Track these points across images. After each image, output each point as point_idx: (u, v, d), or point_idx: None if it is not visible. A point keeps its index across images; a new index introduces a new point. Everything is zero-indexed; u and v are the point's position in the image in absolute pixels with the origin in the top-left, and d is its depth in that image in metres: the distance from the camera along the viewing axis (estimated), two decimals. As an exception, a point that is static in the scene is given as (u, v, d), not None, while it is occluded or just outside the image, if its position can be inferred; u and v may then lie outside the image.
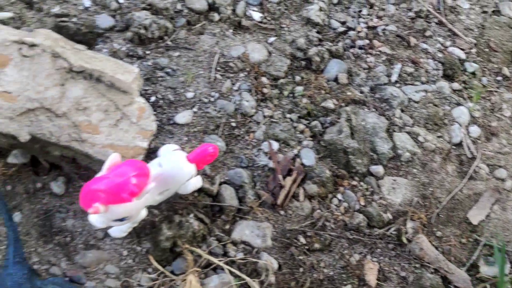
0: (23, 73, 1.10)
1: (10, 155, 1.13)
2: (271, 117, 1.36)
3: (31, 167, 1.16)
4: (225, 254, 1.16)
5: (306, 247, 1.21)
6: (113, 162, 0.90)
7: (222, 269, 1.13)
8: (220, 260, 1.13)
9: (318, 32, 1.54)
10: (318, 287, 1.17)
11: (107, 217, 0.90)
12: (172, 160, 1.03)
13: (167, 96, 1.32)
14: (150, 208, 1.15)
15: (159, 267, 1.11)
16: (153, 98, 1.31)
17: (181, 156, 1.05)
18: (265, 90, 1.39)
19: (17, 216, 1.12)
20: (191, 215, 1.17)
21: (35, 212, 1.13)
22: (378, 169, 1.31)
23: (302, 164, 1.30)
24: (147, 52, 1.39)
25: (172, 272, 1.11)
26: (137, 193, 0.86)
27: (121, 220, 0.91)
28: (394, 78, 1.49)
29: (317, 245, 1.21)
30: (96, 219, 0.91)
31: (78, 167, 1.16)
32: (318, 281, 1.17)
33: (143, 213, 1.05)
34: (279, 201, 1.23)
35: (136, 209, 0.92)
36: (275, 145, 1.31)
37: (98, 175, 0.90)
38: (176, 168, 1.03)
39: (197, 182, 1.11)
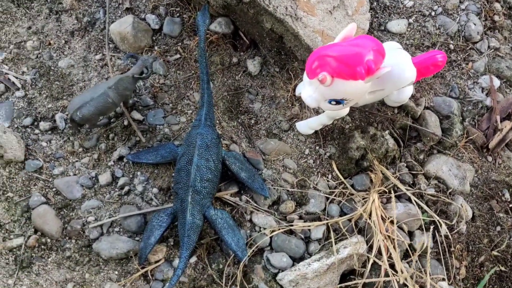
0: None
1: (215, 22, 1.07)
2: (497, 49, 1.14)
3: (231, 40, 1.09)
4: (414, 184, 1.01)
5: (510, 205, 1.01)
6: (348, 33, 0.77)
7: (407, 199, 0.99)
8: (407, 189, 0.99)
9: None
10: (515, 254, 0.97)
11: (324, 94, 0.78)
12: (396, 58, 0.88)
13: (383, 0, 1.16)
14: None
15: (341, 176, 0.99)
16: (366, -1, 1.16)
17: (406, 56, 0.89)
18: (496, 18, 1.16)
19: (208, 85, 1.07)
20: (387, 132, 1.02)
21: (226, 86, 1.07)
22: None
23: (526, 111, 1.07)
24: None
25: (352, 186, 1.00)
26: (373, 70, 0.73)
27: (337, 102, 0.79)
28: None
29: (524, 207, 1.00)
30: (309, 95, 0.80)
31: (277, 53, 1.07)
32: (516, 247, 0.98)
33: (345, 111, 0.92)
34: (490, 145, 1.03)
35: (360, 93, 0.79)
36: (497, 82, 1.10)
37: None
38: (399, 68, 0.88)
39: (410, 92, 0.95)
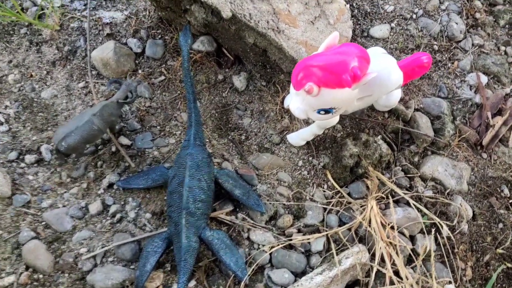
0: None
1: (197, 41, 1.06)
2: (482, 46, 1.14)
3: (215, 57, 1.08)
4: (411, 188, 0.99)
5: (510, 200, 0.99)
6: (331, 42, 0.76)
7: (406, 203, 0.97)
8: (405, 193, 0.97)
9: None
10: (520, 251, 0.95)
11: (312, 104, 0.77)
12: (382, 63, 0.87)
13: (363, 7, 1.16)
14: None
15: (336, 185, 0.98)
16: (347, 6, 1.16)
17: (391, 61, 0.89)
18: (477, 15, 1.17)
19: (195, 104, 1.05)
20: (379, 137, 1.01)
21: (213, 104, 1.06)
22: None
23: (516, 105, 1.07)
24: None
25: (348, 195, 0.98)
26: (359, 77, 0.72)
27: (326, 112, 0.78)
28: None
29: (524, 202, 0.99)
30: (297, 107, 0.79)
31: (263, 67, 1.06)
32: (520, 243, 0.96)
33: (335, 120, 0.91)
34: (484, 142, 1.02)
35: (348, 101, 0.78)
36: (484, 79, 1.09)
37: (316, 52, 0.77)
38: (385, 72, 0.87)
39: (398, 95, 0.94)
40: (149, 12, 1.11)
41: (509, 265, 0.95)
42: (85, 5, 1.11)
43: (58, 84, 1.06)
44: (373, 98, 0.90)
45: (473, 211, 0.98)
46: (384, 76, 0.87)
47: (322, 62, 0.72)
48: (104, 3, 1.13)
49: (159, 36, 1.10)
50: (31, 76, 1.06)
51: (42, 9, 1.10)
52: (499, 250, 0.95)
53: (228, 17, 0.92)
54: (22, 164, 0.98)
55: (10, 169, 0.97)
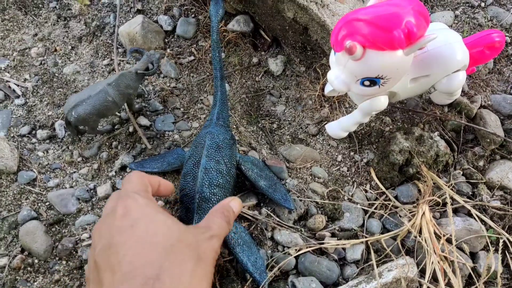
0: None
1: (233, 20, 0.96)
2: None
3: (251, 39, 0.98)
4: (473, 196, 0.82)
5: None
6: (381, -4, 0.63)
7: (467, 214, 0.80)
8: (466, 201, 0.80)
9: None
10: None
11: (355, 72, 0.63)
12: (445, 38, 0.73)
13: (423, -8, 1.02)
14: (380, 114, 0.88)
15: (381, 185, 0.82)
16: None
17: (456, 36, 0.74)
18: (560, 6, 1.00)
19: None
20: (436, 133, 0.85)
21: (244, 88, 0.94)
22: None
23: None
24: None
25: (395, 198, 0.82)
26: (415, 35, 0.58)
27: (372, 82, 0.64)
28: None
29: None
30: (336, 76, 0.66)
31: (303, 49, 0.94)
32: None
33: (383, 103, 0.76)
34: None
35: (399, 70, 0.63)
36: None
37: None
38: (448, 49, 0.72)
39: (462, 79, 0.78)
40: (184, -10, 1.03)
41: None
42: (118, -19, 1.05)
43: (82, 60, 0.99)
44: (430, 80, 0.75)
45: (553, 230, 0.79)
46: (445, 53, 0.72)
47: (370, 15, 0.58)
48: (138, -21, 1.06)
49: (193, 15, 1.01)
50: (55, 50, 1.00)
51: (74, -17, 1.05)
52: None
53: (265, -17, 0.81)
54: (34, 140, 0.90)
55: (20, 144, 0.89)
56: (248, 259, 0.71)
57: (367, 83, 0.64)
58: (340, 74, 0.65)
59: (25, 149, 0.89)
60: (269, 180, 0.79)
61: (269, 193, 0.78)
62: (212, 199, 0.72)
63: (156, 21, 1.00)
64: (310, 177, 0.84)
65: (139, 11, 1.01)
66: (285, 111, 0.92)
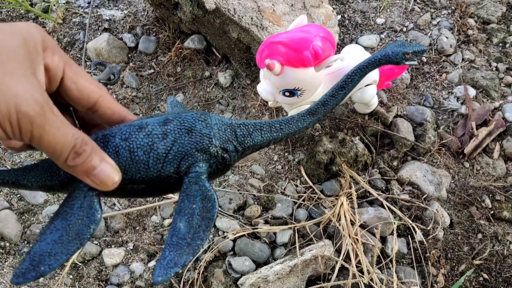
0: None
1: (188, 39, 1.10)
2: (472, 61, 1.13)
3: (204, 55, 1.12)
4: (387, 190, 0.97)
5: (491, 212, 0.95)
6: (298, 24, 0.78)
7: (380, 205, 0.95)
8: (379, 194, 0.95)
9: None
10: (499, 263, 0.90)
11: (277, 85, 0.78)
12: (354, 56, 0.88)
13: (354, 18, 1.19)
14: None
15: (309, 181, 0.96)
16: (338, 17, 1.19)
17: (366, 54, 0.90)
18: (470, 32, 1.17)
19: (179, 97, 1.08)
20: (357, 138, 1.00)
21: (197, 97, 1.08)
22: None
23: (504, 118, 1.04)
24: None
25: (321, 192, 0.96)
26: (319, 56, 0.73)
27: (291, 93, 0.79)
28: None
29: (506, 213, 0.94)
30: (264, 88, 0.80)
31: (247, 65, 1.09)
32: (499, 256, 0.91)
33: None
34: (466, 150, 0.99)
35: (313, 83, 0.78)
36: (472, 91, 1.08)
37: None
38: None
39: (373, 92, 0.93)
40: (146, 12, 1.17)
41: (486, 276, 0.89)
42: (88, 3, 1.19)
43: (54, 71, 1.12)
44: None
45: (451, 219, 0.94)
46: (356, 69, 0.87)
47: (286, 39, 0.73)
48: (106, 2, 1.20)
49: (154, 34, 1.15)
50: (30, 62, 1.12)
51: (48, 4, 1.18)
52: (476, 261, 0.91)
53: (212, 9, 0.96)
54: (8, 140, 1.01)
55: (-5, 143, 1.00)
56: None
57: (287, 93, 0.79)
58: (266, 86, 0.80)
59: (0, 148, 1.00)
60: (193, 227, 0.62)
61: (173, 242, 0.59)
62: None
63: (121, 38, 1.14)
64: (250, 173, 0.98)
65: (106, 30, 1.14)
66: (232, 118, 1.06)
